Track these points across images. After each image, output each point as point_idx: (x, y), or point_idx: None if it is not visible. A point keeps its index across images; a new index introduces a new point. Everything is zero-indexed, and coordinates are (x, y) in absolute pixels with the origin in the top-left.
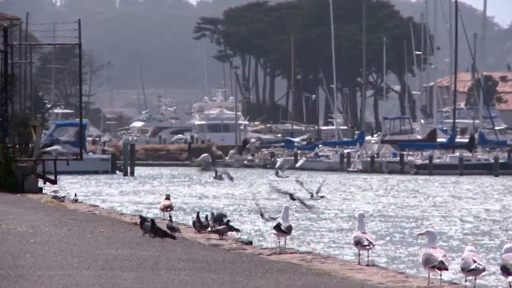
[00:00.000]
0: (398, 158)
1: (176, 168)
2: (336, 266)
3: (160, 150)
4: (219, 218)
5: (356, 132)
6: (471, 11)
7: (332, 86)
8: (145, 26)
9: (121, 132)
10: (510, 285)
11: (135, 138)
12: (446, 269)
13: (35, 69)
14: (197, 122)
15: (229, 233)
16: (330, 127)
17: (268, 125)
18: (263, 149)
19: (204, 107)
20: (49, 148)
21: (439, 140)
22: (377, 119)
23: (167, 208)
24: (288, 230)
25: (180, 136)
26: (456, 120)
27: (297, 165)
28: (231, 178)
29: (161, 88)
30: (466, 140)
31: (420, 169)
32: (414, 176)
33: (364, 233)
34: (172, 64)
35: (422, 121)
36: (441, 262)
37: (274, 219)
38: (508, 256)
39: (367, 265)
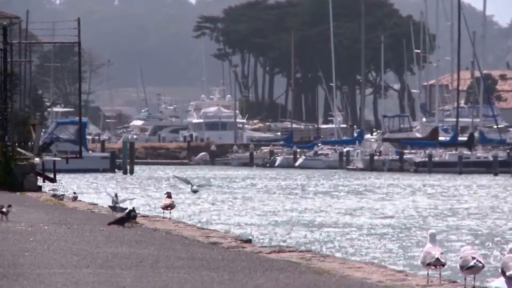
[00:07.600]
0: (398, 156)
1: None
2: (335, 265)
3: (160, 148)
4: None
5: (357, 130)
6: (470, 10)
7: (331, 84)
8: (145, 24)
9: (121, 131)
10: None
11: (134, 136)
12: (443, 265)
13: (35, 68)
14: (194, 121)
15: None
16: (329, 125)
17: (267, 124)
18: (262, 148)
19: (201, 105)
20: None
21: (440, 138)
22: (377, 117)
23: (168, 207)
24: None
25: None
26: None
27: (297, 163)
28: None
29: (160, 87)
30: (465, 139)
31: (420, 167)
32: (414, 174)
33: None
34: (171, 62)
35: (424, 119)
36: (437, 259)
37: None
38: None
39: (366, 263)
